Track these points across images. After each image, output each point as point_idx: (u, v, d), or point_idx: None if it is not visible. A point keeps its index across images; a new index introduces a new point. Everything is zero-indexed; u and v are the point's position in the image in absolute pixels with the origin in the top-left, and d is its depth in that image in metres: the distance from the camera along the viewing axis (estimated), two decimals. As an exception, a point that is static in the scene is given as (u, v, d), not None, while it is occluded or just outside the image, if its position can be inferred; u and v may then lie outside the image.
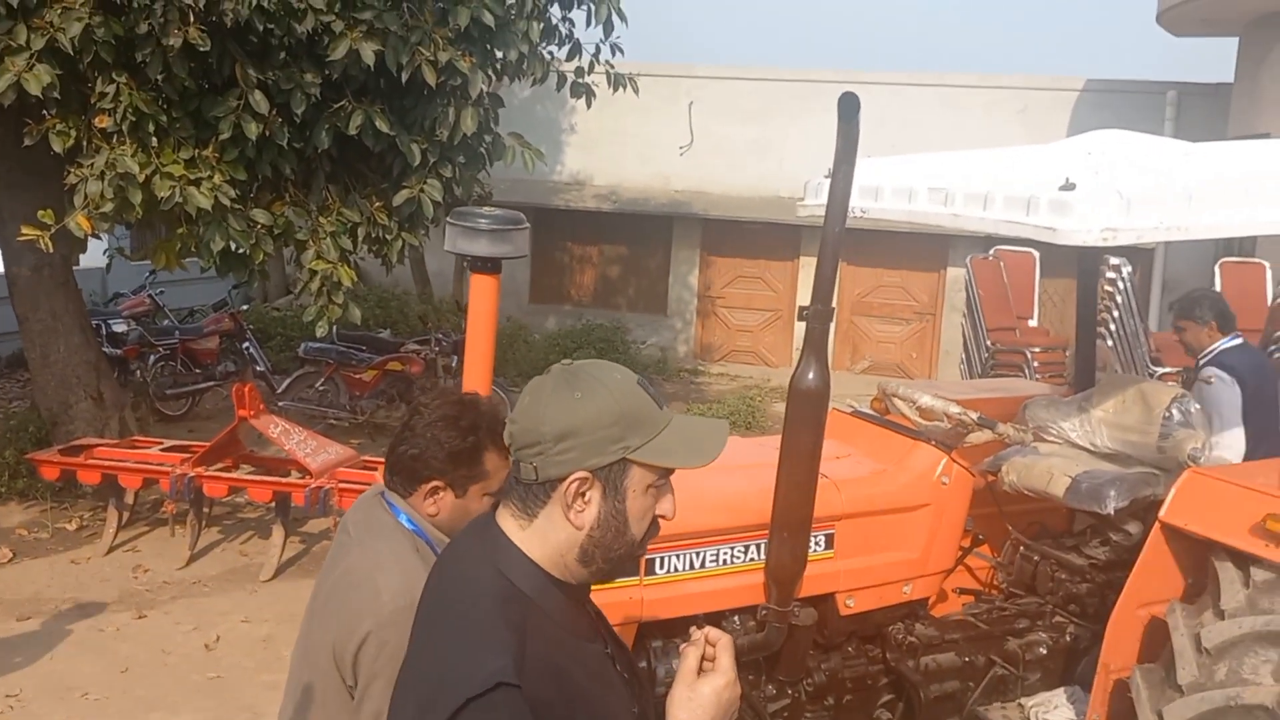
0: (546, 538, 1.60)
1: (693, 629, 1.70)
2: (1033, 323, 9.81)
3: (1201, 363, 4.91)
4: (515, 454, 1.60)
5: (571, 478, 1.56)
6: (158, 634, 5.77)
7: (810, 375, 3.03)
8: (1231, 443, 4.55)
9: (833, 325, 13.06)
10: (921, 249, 13.96)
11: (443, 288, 14.97)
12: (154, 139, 6.01)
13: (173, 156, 6.03)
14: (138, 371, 9.99)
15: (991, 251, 10.16)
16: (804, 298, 2.93)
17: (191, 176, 6.01)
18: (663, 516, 1.65)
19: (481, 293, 2.74)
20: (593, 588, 3.16)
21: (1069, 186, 3.09)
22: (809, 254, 14.25)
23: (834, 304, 3.09)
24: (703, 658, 1.66)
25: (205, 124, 6.17)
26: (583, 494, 1.57)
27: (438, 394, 2.38)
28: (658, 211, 14.92)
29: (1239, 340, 4.91)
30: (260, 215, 6.42)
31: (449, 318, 12.32)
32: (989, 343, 9.08)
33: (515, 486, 1.62)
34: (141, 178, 5.88)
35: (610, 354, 13.93)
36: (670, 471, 1.63)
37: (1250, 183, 3.29)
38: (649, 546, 3.10)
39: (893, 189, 3.77)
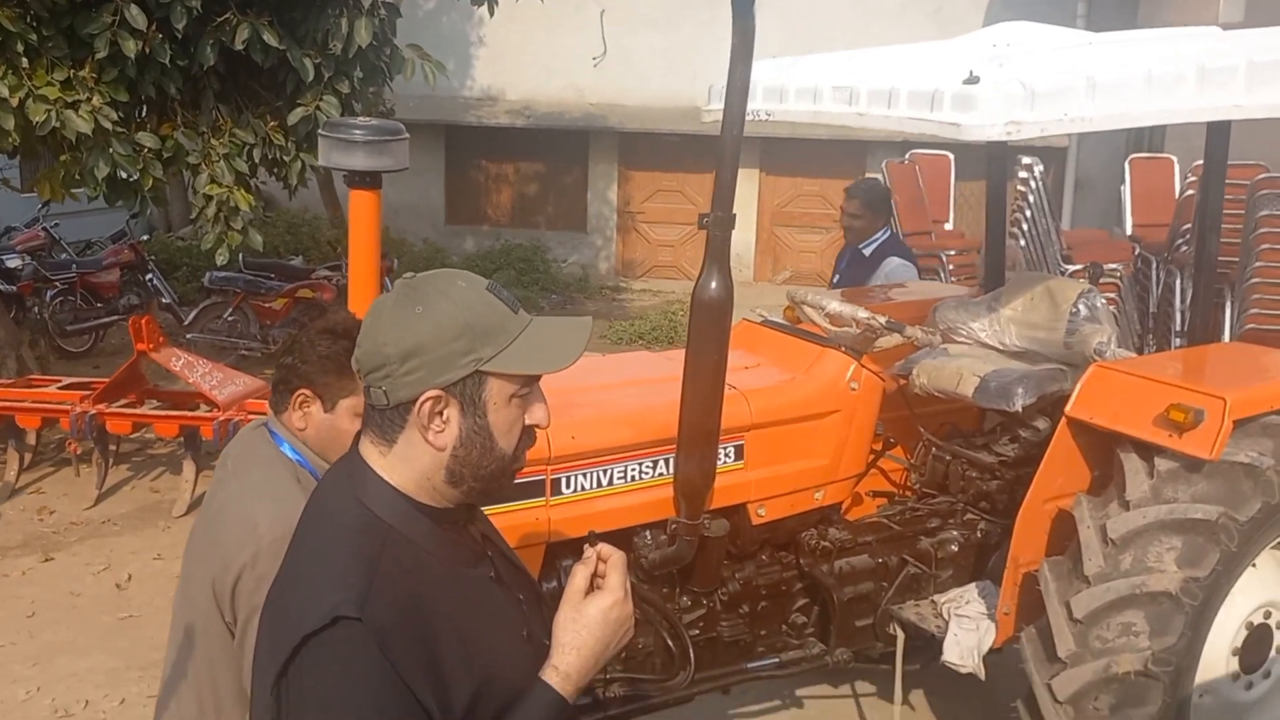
0: (409, 463, 1.51)
1: (585, 546, 1.63)
2: (948, 226, 9.82)
3: (869, 248, 5.47)
4: (365, 380, 1.50)
5: (423, 398, 1.47)
6: (66, 576, 5.60)
7: (713, 285, 2.94)
8: None
9: (753, 237, 12.97)
10: (839, 156, 13.90)
11: (355, 211, 14.57)
12: (24, 59, 5.63)
13: (46, 78, 5.67)
14: (35, 308, 9.58)
15: (907, 155, 10.12)
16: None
17: (68, 99, 5.66)
18: (536, 425, 1.57)
19: (362, 210, 2.59)
20: (498, 511, 3.09)
21: (973, 80, 3.02)
22: (728, 164, 14.13)
23: (735, 210, 3.00)
24: (594, 576, 1.60)
25: (80, 42, 5.78)
26: (439, 413, 1.48)
27: (332, 311, 2.30)
28: (572, 126, 14.63)
29: (890, 232, 5.63)
30: (147, 139, 6.09)
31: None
32: (905, 247, 9.08)
33: (371, 413, 1.53)
34: (14, 101, 5.53)
35: (530, 274, 13.76)
36: (535, 378, 1.54)
37: (1153, 72, 3.24)
38: (561, 466, 3.06)
39: (797, 90, 3.67)
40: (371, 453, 1.54)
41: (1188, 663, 3.19)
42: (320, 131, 2.52)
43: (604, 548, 1.63)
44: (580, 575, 1.59)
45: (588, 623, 1.55)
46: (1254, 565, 3.40)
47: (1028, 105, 2.98)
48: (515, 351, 1.50)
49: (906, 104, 3.18)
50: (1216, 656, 3.39)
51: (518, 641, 1.57)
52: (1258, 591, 3.47)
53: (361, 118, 2.54)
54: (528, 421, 1.56)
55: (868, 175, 5.74)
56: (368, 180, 2.54)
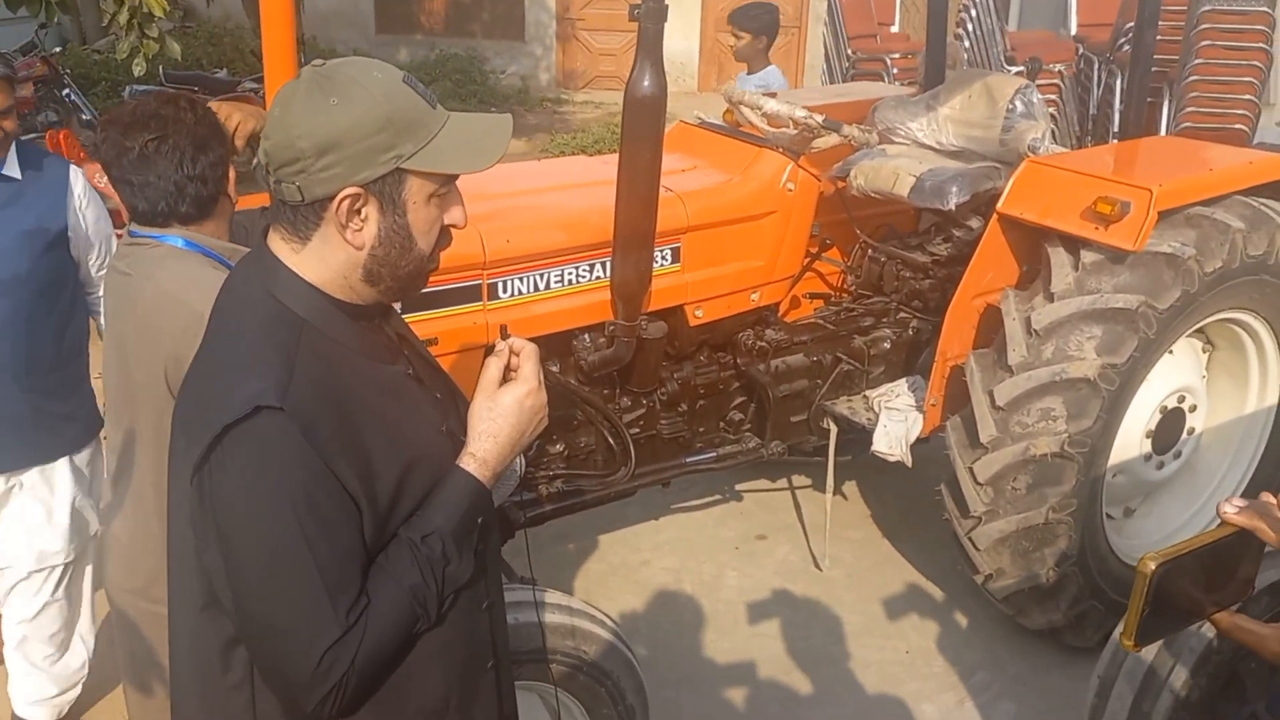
0: (325, 260, 1.48)
1: (497, 340, 1.65)
2: (894, 29, 9.64)
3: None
4: (275, 174, 1.44)
5: (341, 195, 1.42)
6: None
7: (645, 82, 2.87)
8: None
9: (697, 44, 12.59)
10: (785, -44, 13.41)
11: (281, 21, 13.87)
12: None
13: None
14: (-55, 127, 9.14)
15: (854, -46, 9.81)
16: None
17: (-45, -107, 5.28)
18: (454, 226, 1.55)
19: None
20: (436, 315, 3.09)
21: None
22: (669, -34, 13.59)
23: (673, 9, 2.90)
24: (507, 368, 1.61)
25: None
26: (357, 211, 1.44)
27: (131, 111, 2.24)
28: (507, -75, 13.90)
29: None
30: (46, -62, 5.72)
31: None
32: (849, 51, 8.92)
33: (282, 209, 1.47)
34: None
35: (468, 85, 13.35)
36: (454, 177, 1.51)
37: None
38: (497, 270, 3.05)
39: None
40: (283, 249, 1.50)
41: (1102, 444, 3.35)
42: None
43: (515, 340, 1.63)
44: (494, 366, 1.60)
45: (503, 411, 1.56)
46: (1171, 352, 3.54)
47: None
48: (436, 149, 1.45)
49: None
50: (1131, 438, 3.56)
51: (437, 434, 1.59)
52: (1173, 377, 3.63)
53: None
54: (446, 222, 1.53)
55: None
56: (280, -30, 2.40)
